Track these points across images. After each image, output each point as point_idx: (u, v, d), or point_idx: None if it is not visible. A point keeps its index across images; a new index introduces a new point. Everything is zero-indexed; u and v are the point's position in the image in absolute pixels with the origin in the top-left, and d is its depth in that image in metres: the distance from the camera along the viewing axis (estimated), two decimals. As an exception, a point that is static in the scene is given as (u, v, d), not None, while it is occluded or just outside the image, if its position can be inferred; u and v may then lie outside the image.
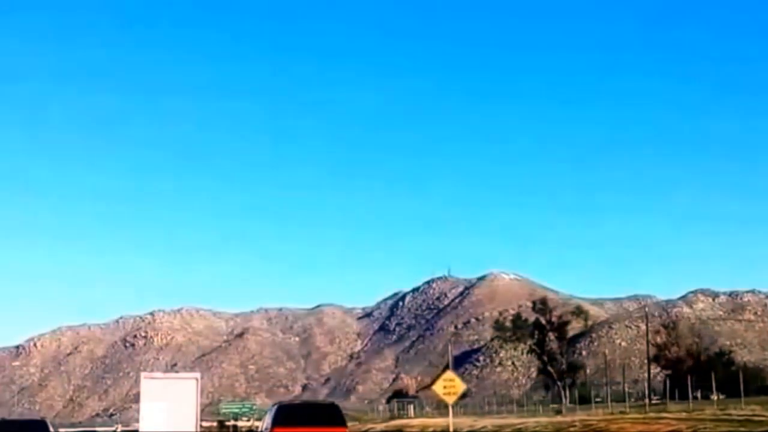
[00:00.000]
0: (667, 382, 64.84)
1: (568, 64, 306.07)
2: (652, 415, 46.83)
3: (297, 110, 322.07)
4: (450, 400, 34.92)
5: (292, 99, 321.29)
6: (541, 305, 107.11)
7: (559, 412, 67.41)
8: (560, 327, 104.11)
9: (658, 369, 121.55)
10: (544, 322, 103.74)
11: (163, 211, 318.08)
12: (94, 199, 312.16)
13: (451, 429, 40.97)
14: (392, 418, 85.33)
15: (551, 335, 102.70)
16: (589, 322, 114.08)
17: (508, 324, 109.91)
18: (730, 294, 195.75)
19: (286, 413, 24.16)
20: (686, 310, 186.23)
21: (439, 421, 66.44)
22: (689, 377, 58.64)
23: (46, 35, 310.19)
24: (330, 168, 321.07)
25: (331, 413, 24.17)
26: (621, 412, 53.49)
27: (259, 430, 29.11)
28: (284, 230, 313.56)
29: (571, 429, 44.34)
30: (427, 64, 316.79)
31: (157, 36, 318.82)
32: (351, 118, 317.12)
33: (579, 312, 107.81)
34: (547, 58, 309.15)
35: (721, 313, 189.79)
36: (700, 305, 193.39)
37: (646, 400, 65.89)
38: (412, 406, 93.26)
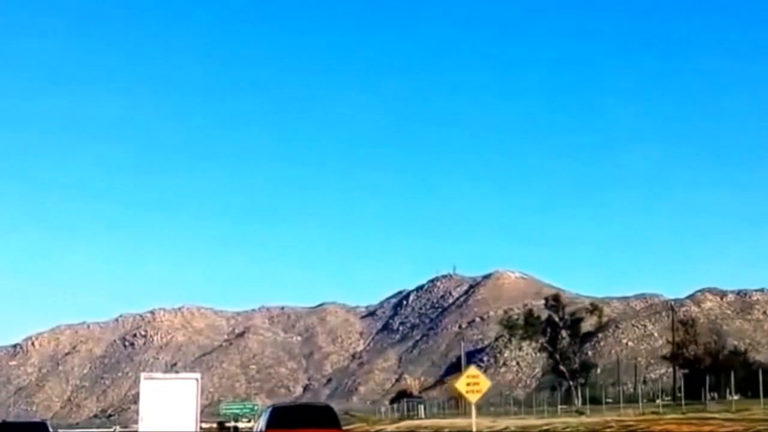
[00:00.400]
0: (709, 380, 60.96)
1: (574, 59, 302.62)
2: (692, 415, 43.40)
3: (299, 107, 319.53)
4: (473, 398, 32.09)
5: (294, 96, 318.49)
6: (554, 302, 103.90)
7: (581, 413, 63.84)
8: (573, 324, 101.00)
9: (666, 368, 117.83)
10: (557, 319, 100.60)
11: (163, 207, 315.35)
12: (93, 197, 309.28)
13: (474, 429, 37.72)
14: (401, 418, 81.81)
15: (564, 333, 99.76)
16: (604, 319, 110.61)
17: (519, 321, 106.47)
18: (738, 293, 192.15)
19: (280, 415, 23.93)
20: (694, 309, 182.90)
21: (455, 421, 63.15)
22: (732, 374, 54.99)
23: (52, 33, 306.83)
24: (333, 165, 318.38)
25: (326, 415, 23.80)
26: (653, 412, 50.16)
27: None
28: (286, 228, 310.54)
29: (607, 430, 40.99)
30: (431, 60, 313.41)
31: (156, 34, 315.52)
32: (354, 114, 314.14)
33: (593, 308, 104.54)
34: (553, 52, 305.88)
35: (729, 312, 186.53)
36: (708, 304, 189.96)
37: (673, 400, 62.27)
38: (422, 407, 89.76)
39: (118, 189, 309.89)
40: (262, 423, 24.66)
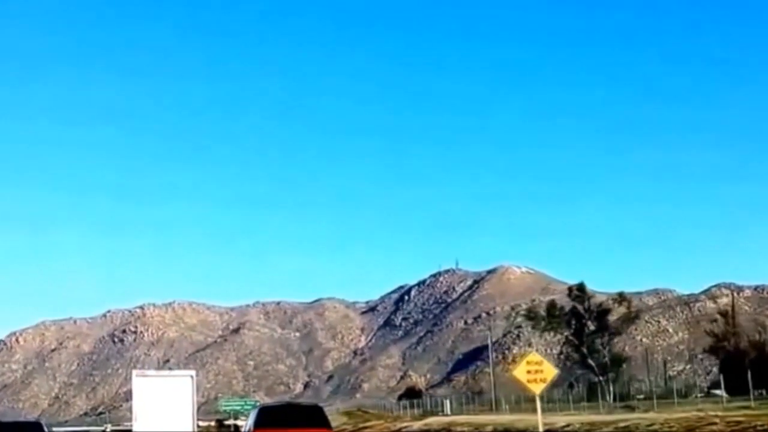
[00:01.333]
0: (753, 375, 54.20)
1: (579, 50, 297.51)
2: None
3: (297, 98, 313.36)
4: (537, 389, 27.30)
5: (292, 86, 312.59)
6: (579, 292, 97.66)
7: (632, 408, 56.86)
8: (600, 316, 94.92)
9: (684, 365, 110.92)
10: (581, 310, 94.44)
11: (153, 198, 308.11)
12: (80, 188, 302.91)
13: (540, 429, 31.42)
14: (424, 415, 75.46)
15: (590, 324, 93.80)
16: (633, 309, 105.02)
17: (541, 312, 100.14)
18: (755, 288, 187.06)
19: (268, 415, 24.02)
20: (710, 304, 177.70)
21: (492, 417, 56.50)
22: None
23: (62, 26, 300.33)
24: (330, 155, 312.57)
25: (315, 415, 23.82)
26: (741, 407, 43.11)
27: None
28: (282, 219, 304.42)
29: (710, 427, 33.73)
30: (436, 54, 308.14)
31: (155, 19, 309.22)
32: (354, 105, 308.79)
33: (621, 299, 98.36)
34: (557, 45, 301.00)
35: (746, 308, 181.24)
36: (724, 300, 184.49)
37: (707, 395, 54.89)
38: (448, 402, 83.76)
39: (104, 180, 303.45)
40: (250, 422, 24.76)
